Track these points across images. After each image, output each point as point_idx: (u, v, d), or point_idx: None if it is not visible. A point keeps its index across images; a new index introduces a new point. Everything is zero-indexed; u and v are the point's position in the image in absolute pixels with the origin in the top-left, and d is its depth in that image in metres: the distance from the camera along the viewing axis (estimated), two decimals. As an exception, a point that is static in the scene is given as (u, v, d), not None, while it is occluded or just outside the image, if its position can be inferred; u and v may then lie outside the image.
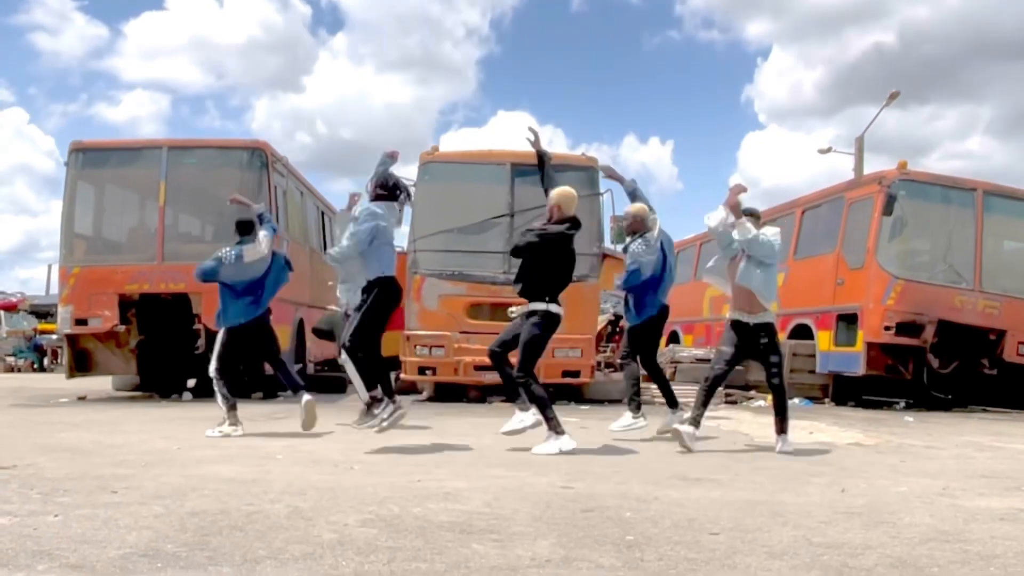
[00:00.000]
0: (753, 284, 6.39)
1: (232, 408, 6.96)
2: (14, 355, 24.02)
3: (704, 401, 6.54)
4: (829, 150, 25.58)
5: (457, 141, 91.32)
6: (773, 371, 6.49)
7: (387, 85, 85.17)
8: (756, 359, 6.81)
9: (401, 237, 12.16)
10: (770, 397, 6.73)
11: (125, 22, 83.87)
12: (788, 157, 76.19)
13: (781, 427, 6.51)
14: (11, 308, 24.71)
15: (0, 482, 4.41)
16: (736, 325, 6.53)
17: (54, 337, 21.44)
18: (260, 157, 11.43)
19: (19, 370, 23.17)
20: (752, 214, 6.60)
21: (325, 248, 14.66)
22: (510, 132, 78.46)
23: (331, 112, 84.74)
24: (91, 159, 11.54)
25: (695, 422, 6.45)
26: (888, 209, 11.33)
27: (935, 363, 11.63)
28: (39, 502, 3.89)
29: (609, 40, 76.41)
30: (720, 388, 11.78)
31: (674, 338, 16.97)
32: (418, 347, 10.87)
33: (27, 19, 71.32)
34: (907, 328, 11.19)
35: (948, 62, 64.46)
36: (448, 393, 11.25)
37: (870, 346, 11.29)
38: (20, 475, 4.65)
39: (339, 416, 8.82)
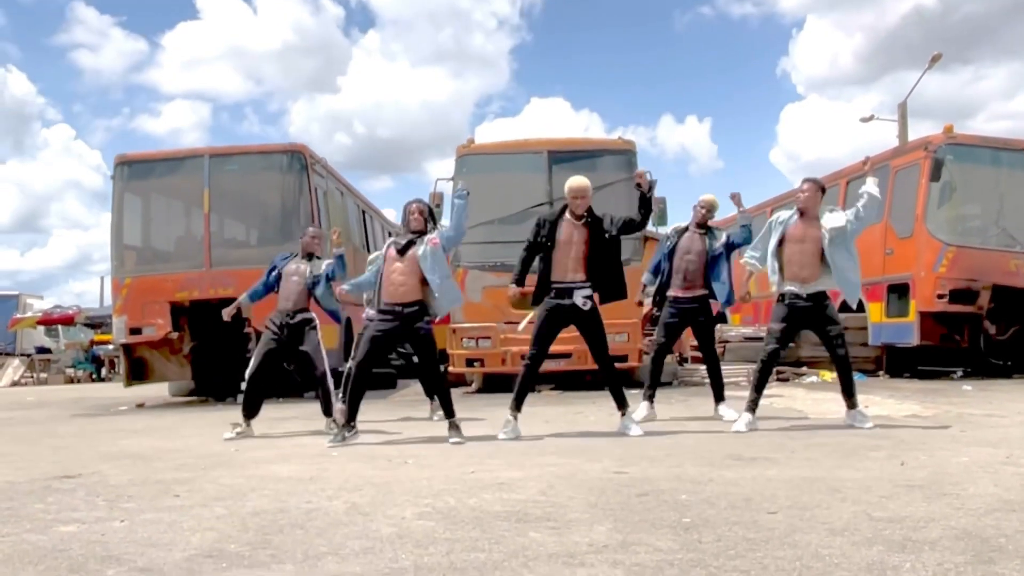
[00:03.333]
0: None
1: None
2: (73, 366, 24.63)
3: (759, 384, 6.47)
4: (871, 118, 24.93)
5: (493, 132, 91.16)
6: (837, 342, 6.35)
7: (421, 81, 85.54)
8: (814, 331, 6.64)
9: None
10: (824, 373, 6.62)
11: (162, 34, 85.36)
12: (829, 128, 74.86)
13: (851, 402, 6.35)
14: (68, 321, 25.31)
15: (67, 490, 4.54)
16: (787, 298, 6.41)
17: (110, 347, 21.95)
18: (299, 160, 11.55)
19: (78, 381, 23.75)
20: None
21: (368, 247, 14.78)
22: (544, 119, 78.33)
23: (368, 111, 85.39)
24: (136, 171, 11.77)
25: (752, 407, 6.40)
26: (935, 175, 11.08)
27: (992, 330, 11.38)
28: (105, 508, 3.99)
29: (640, 21, 75.84)
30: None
31: (721, 318, 16.81)
32: (465, 339, 10.93)
33: (68, 38, 73.04)
34: (961, 295, 10.94)
35: (991, 20, 62.56)
36: (497, 384, 11.29)
37: (923, 316, 11.07)
38: (86, 483, 4.78)
39: (390, 411, 8.92)
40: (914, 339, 11.20)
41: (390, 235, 17.67)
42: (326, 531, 3.33)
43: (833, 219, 6.36)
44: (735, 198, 7.32)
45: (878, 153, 12.89)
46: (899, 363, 12.09)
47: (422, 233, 6.32)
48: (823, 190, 6.53)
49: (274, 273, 7.40)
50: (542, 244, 6.31)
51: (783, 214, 6.59)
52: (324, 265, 7.31)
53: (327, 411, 7.14)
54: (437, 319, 6.42)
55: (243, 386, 7.20)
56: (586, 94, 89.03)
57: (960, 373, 11.72)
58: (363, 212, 15.33)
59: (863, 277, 11.75)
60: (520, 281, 6.46)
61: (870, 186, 6.36)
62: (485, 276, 10.91)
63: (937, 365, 12.12)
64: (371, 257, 7.23)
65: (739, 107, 78.71)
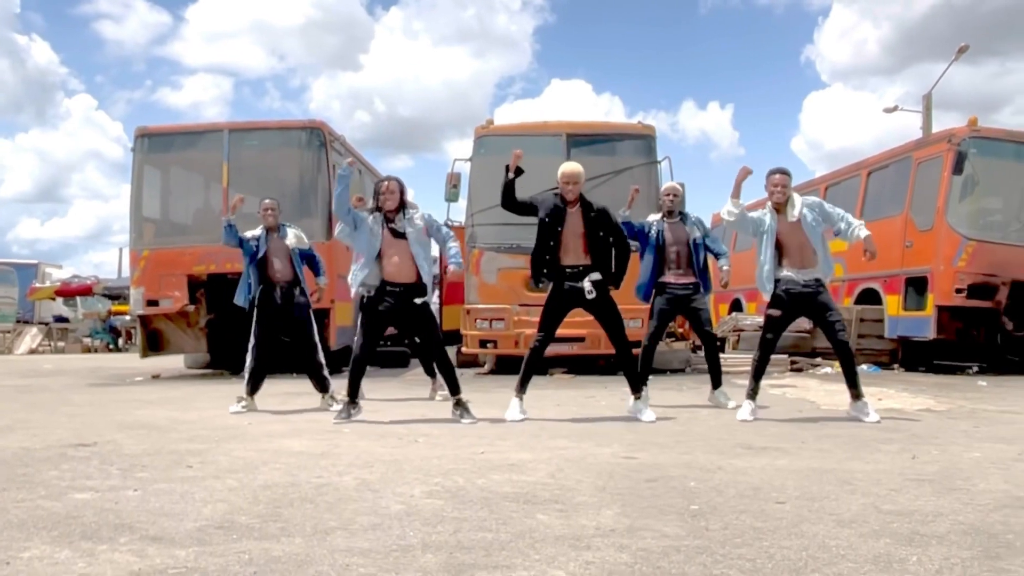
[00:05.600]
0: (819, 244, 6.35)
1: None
2: (90, 336, 24.86)
3: (757, 373, 6.46)
4: (895, 109, 24.66)
5: (512, 113, 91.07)
6: (837, 327, 6.33)
7: (443, 60, 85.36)
8: (811, 318, 6.63)
9: (459, 212, 12.25)
10: (838, 364, 6.59)
11: (186, 7, 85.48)
12: (852, 117, 74.20)
13: (856, 392, 6.30)
14: (86, 291, 25.51)
15: (82, 459, 4.59)
16: (783, 283, 6.38)
17: (127, 318, 22.11)
18: (318, 136, 11.57)
19: (95, 351, 23.97)
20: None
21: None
22: (565, 102, 77.97)
23: (389, 90, 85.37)
24: (156, 144, 11.82)
25: (752, 395, 6.40)
26: (958, 168, 10.95)
27: (1009, 326, 11.26)
28: (119, 477, 4.04)
29: (665, 5, 75.22)
30: (784, 356, 11.76)
31: (736, 306, 16.76)
32: (478, 320, 10.95)
33: (92, 9, 73.36)
34: (979, 290, 10.85)
35: (1021, 12, 61.66)
36: (510, 365, 11.31)
37: (941, 310, 10.98)
38: (100, 451, 4.84)
39: (403, 390, 8.96)
40: (931, 333, 11.12)
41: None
42: (336, 506, 3.36)
43: (805, 202, 6.40)
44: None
45: (901, 144, 12.82)
46: (915, 357, 12.02)
47: (400, 210, 6.32)
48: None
49: (248, 244, 7.43)
50: (551, 229, 6.29)
51: (759, 219, 6.48)
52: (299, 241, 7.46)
53: (321, 388, 7.24)
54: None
55: (248, 361, 7.24)
56: (608, 77, 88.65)
57: (976, 368, 11.64)
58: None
59: (882, 269, 11.86)
60: (537, 281, 6.51)
61: (864, 232, 6.39)
62: (500, 258, 10.92)
63: (953, 360, 12.05)
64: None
65: (762, 94, 78.20)
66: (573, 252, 6.30)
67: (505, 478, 3.94)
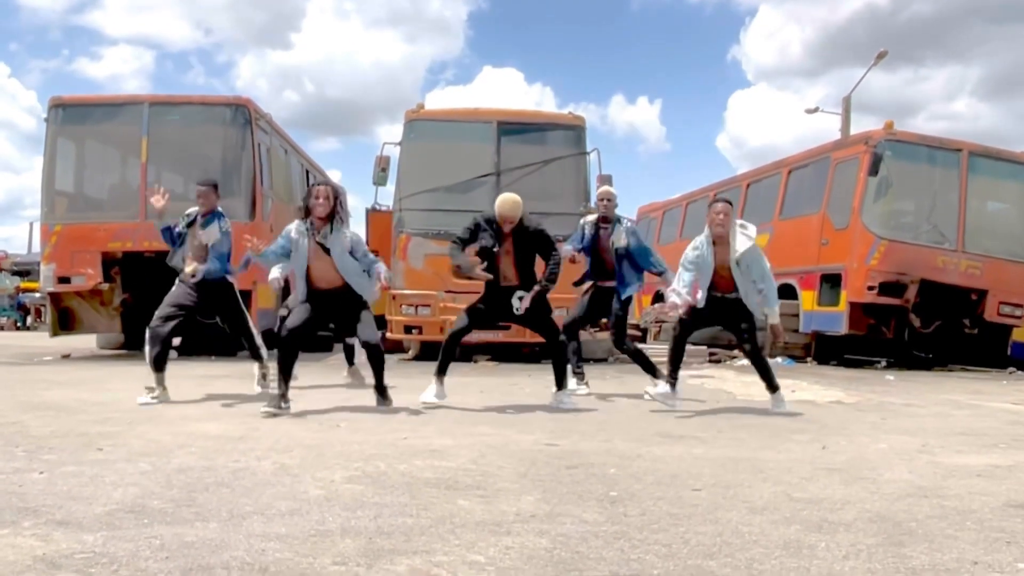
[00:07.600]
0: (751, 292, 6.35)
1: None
2: (-3, 313, 23.88)
3: (674, 362, 6.55)
4: (816, 110, 25.45)
5: (444, 99, 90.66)
6: (744, 336, 6.41)
7: (375, 42, 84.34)
8: (727, 327, 6.62)
9: (387, 196, 12.14)
10: None
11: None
12: (775, 117, 76.14)
13: (770, 386, 6.47)
14: (-7, 267, 24.50)
15: (-15, 440, 4.41)
16: (707, 298, 6.38)
17: (37, 295, 21.33)
18: (243, 114, 11.28)
19: (2, 328, 23.03)
20: None
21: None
22: (497, 89, 77.91)
23: (319, 70, 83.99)
24: (71, 115, 11.37)
25: (671, 381, 6.49)
26: (874, 169, 11.34)
27: (917, 323, 11.75)
28: (24, 459, 3.89)
29: (598, -2, 75.75)
30: (703, 347, 12.02)
31: (659, 299, 17.02)
32: (404, 306, 10.88)
33: (4, -29, 69.93)
34: (890, 288, 11.27)
35: (938, 23, 64.25)
36: (434, 352, 11.26)
37: (853, 306, 11.38)
38: (4, 433, 4.64)
39: (325, 375, 8.85)
40: (843, 328, 11.52)
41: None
42: (253, 491, 3.30)
43: (743, 242, 6.23)
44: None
45: (820, 145, 13.19)
46: (827, 351, 12.42)
47: (330, 219, 6.04)
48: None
49: (176, 230, 7.05)
50: (486, 249, 6.31)
51: (694, 251, 6.33)
52: (219, 241, 6.91)
53: (256, 357, 7.04)
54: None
55: (147, 341, 6.78)
56: (540, 67, 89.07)
57: (884, 363, 12.08)
58: (307, 172, 15.07)
59: (800, 265, 12.22)
60: (463, 268, 6.36)
61: (773, 317, 6.39)
62: (427, 244, 10.85)
63: (863, 355, 12.49)
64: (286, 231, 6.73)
65: (689, 91, 79.71)
66: (502, 274, 6.33)
67: (427, 464, 3.93)
